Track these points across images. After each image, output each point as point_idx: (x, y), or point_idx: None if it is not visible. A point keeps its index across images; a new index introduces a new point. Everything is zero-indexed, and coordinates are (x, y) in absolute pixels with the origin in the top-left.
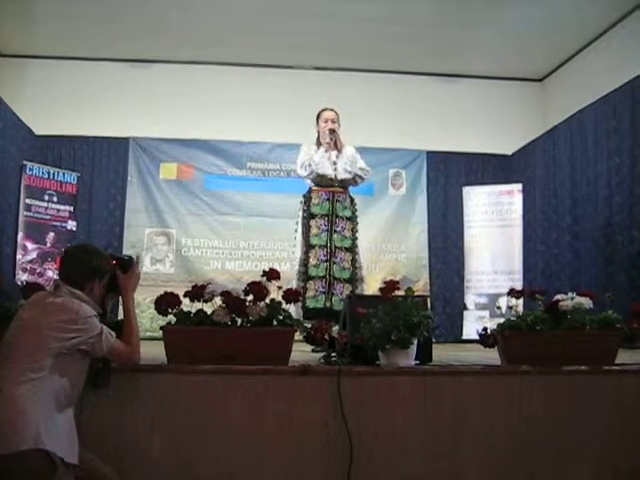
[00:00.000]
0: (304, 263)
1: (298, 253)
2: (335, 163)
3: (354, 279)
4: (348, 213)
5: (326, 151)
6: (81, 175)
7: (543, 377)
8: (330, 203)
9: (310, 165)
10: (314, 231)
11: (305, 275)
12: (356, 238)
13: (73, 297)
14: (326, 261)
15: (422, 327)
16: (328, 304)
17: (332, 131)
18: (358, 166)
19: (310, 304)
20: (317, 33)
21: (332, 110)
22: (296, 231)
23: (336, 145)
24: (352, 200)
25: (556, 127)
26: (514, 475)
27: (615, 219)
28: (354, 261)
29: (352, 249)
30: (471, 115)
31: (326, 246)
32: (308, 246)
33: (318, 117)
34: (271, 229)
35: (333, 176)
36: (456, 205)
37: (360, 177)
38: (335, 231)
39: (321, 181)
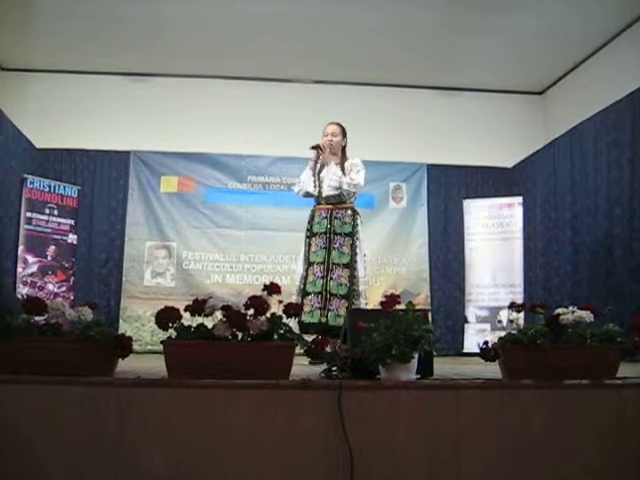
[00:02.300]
0: (303, 280)
1: (300, 270)
2: (320, 180)
3: (351, 295)
4: (348, 229)
5: (315, 169)
6: (82, 188)
7: (544, 391)
8: (328, 221)
9: (300, 183)
10: (313, 249)
11: (303, 291)
12: (356, 254)
13: None
14: (323, 277)
15: (423, 341)
16: (324, 319)
17: (328, 143)
18: (347, 180)
19: (306, 319)
20: (317, 46)
21: (335, 124)
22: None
23: (343, 153)
24: (354, 214)
25: (556, 140)
26: None
27: (615, 231)
28: (352, 277)
29: (350, 265)
30: (471, 128)
31: (323, 263)
32: (308, 264)
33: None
34: (272, 242)
35: (316, 193)
36: (457, 218)
37: (348, 192)
38: (333, 248)
39: (317, 198)
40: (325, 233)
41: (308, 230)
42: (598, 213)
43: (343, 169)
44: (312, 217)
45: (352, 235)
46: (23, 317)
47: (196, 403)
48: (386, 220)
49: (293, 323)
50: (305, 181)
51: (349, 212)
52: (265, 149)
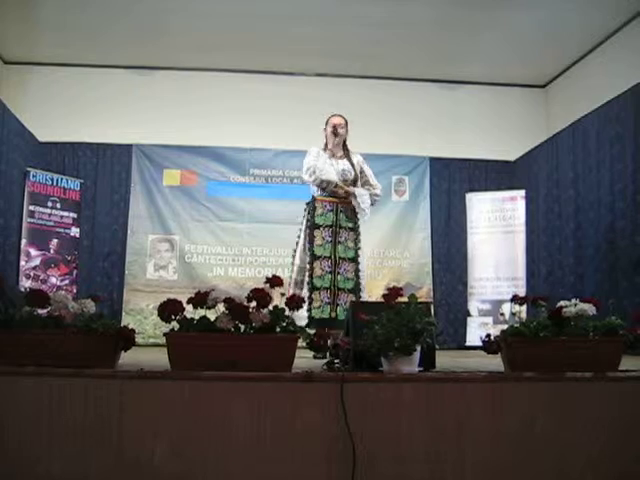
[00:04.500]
0: (309, 273)
1: (297, 261)
2: (339, 169)
3: (357, 289)
4: (351, 224)
5: (329, 158)
6: (84, 182)
7: (546, 384)
8: (334, 214)
9: (315, 172)
10: (318, 242)
11: (310, 285)
12: (359, 248)
13: None
14: (330, 272)
15: (425, 334)
16: (333, 314)
17: (334, 131)
18: (375, 191)
19: (316, 314)
20: (319, 39)
21: (340, 116)
22: (298, 237)
23: (345, 146)
24: (354, 210)
25: (559, 133)
26: None
27: (618, 225)
28: (357, 271)
29: (355, 259)
30: (474, 121)
31: (330, 257)
32: (312, 256)
33: (327, 123)
34: (274, 235)
35: (338, 182)
36: (459, 211)
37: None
38: (339, 242)
39: (326, 188)
40: (331, 226)
41: (309, 221)
42: (601, 206)
43: (351, 162)
44: (313, 208)
45: (355, 230)
46: (26, 309)
47: (199, 395)
48: (389, 213)
49: (304, 317)
50: (324, 169)
51: (350, 208)
52: (267, 142)
